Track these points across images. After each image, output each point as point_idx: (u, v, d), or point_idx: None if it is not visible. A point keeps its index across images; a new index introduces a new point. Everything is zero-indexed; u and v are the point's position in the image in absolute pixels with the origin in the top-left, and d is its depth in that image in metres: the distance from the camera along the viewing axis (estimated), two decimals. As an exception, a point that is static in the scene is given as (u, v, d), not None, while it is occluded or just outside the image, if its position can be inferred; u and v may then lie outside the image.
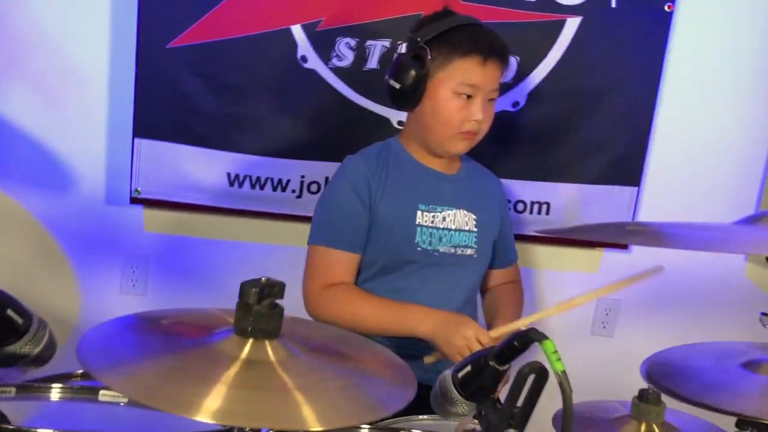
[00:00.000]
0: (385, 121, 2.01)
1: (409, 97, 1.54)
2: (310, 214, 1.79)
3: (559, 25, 2.01)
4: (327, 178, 2.03)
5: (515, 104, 2.05)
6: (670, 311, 2.31)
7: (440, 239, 1.59)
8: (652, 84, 2.08)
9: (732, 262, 2.30)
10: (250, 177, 2.04)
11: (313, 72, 1.98)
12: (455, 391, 0.83)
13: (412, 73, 1.52)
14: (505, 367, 0.80)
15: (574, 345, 2.34)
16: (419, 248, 1.58)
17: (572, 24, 2.00)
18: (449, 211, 1.62)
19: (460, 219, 1.62)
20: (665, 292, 2.26)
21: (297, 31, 1.96)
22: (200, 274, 2.22)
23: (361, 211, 1.57)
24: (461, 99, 1.52)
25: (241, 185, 2.04)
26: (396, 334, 1.52)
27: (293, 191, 2.05)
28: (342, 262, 1.57)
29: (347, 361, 0.78)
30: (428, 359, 1.49)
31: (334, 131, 2.02)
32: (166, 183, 2.04)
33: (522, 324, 1.44)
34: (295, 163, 2.03)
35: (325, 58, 1.98)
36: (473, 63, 1.51)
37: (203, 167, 2.03)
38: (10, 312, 0.75)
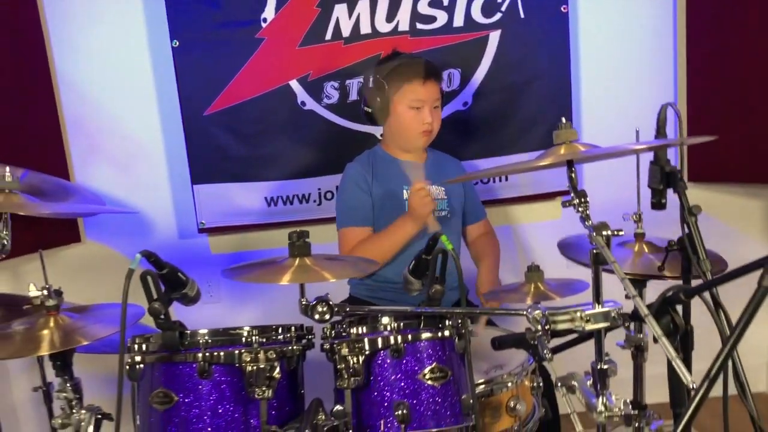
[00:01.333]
0: (371, 135, 2.68)
1: (378, 116, 2.26)
2: (329, 216, 2.52)
3: (485, 39, 2.68)
4: (337, 186, 2.72)
5: (465, 104, 2.72)
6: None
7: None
8: (564, 68, 2.73)
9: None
10: (282, 197, 2.74)
11: (311, 112, 2.68)
12: (411, 276, 1.54)
13: (378, 99, 2.23)
14: (430, 256, 1.49)
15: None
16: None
17: (494, 36, 2.68)
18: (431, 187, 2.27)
19: (434, 191, 2.26)
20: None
21: (294, 84, 2.66)
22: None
23: (365, 197, 2.27)
24: (414, 110, 2.22)
25: (275, 204, 2.74)
26: (403, 238, 2.17)
27: (314, 201, 2.75)
28: (357, 234, 2.26)
29: (346, 258, 1.50)
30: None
31: (335, 151, 2.69)
32: (221, 213, 2.74)
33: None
34: (313, 180, 2.73)
35: (318, 100, 2.67)
36: (416, 85, 2.21)
37: (246, 197, 2.73)
38: (179, 274, 1.46)
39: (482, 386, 1.66)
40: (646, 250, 1.87)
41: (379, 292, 2.32)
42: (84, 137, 2.73)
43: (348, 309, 1.42)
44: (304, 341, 1.51)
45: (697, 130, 2.68)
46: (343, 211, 2.33)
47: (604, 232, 1.32)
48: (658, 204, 1.69)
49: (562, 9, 2.69)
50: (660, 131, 1.68)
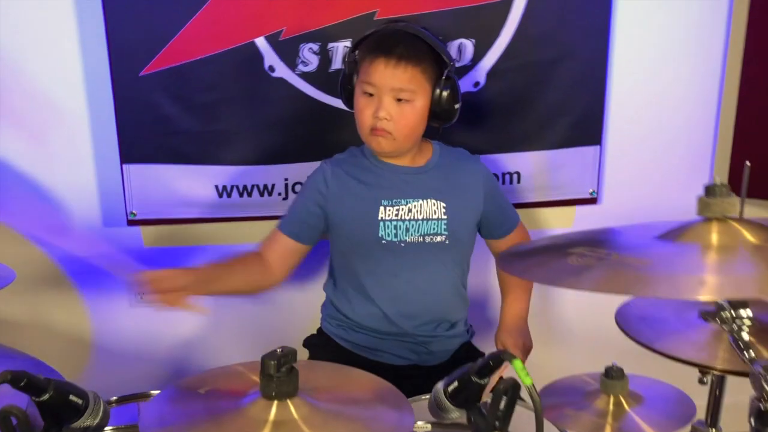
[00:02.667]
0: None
1: (343, 93, 1.74)
2: None
3: (508, 4, 2.10)
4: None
5: (476, 84, 2.16)
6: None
7: (407, 230, 1.72)
8: (602, 48, 2.18)
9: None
10: (237, 186, 2.15)
11: (281, 80, 2.08)
12: (447, 401, 0.99)
13: (345, 73, 1.73)
14: (485, 381, 0.96)
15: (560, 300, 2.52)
16: (384, 241, 1.71)
17: (520, 2, 2.10)
18: (415, 202, 1.73)
19: (427, 208, 1.73)
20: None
21: (261, 42, 2.05)
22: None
23: (312, 211, 1.75)
24: (366, 96, 1.65)
25: (229, 195, 2.16)
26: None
27: (279, 194, 2.17)
28: (277, 241, 1.76)
29: (355, 403, 0.94)
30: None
31: (309, 133, 2.12)
32: (158, 202, 2.14)
33: None
34: (278, 168, 2.14)
35: (292, 65, 2.07)
36: (372, 63, 1.64)
37: (192, 183, 2.13)
38: (72, 397, 0.89)
39: None
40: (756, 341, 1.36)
41: (351, 334, 1.80)
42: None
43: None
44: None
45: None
46: (288, 211, 1.83)
47: None
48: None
49: (607, -29, 2.12)
50: None
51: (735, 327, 0.88)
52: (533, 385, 0.87)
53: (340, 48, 2.06)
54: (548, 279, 0.90)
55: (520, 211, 2.33)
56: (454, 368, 1.03)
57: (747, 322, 0.87)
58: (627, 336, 1.33)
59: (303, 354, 1.90)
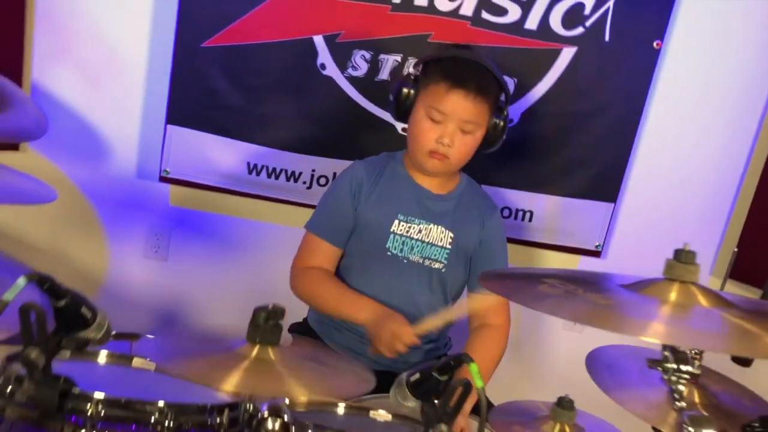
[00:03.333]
0: (391, 127, 2.21)
1: (399, 110, 1.76)
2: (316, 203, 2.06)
3: (556, 54, 2.21)
4: (335, 174, 2.27)
5: (510, 121, 2.24)
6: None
7: (412, 248, 1.79)
8: (638, 109, 2.28)
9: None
10: (267, 167, 2.27)
11: (330, 79, 2.20)
12: (407, 390, 1.10)
13: (403, 90, 1.74)
14: (444, 378, 1.06)
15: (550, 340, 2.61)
16: (389, 253, 1.78)
17: (568, 53, 2.21)
18: (426, 225, 1.80)
19: (435, 234, 1.80)
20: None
21: (319, 41, 2.17)
22: (216, 246, 2.48)
23: (348, 211, 1.79)
24: (431, 121, 1.70)
25: (258, 174, 2.28)
26: (344, 318, 1.76)
27: (304, 183, 2.29)
28: (323, 251, 1.80)
29: (325, 365, 1.05)
30: (371, 350, 1.68)
31: (344, 132, 2.24)
32: (191, 166, 2.27)
33: (434, 324, 1.60)
34: (308, 158, 2.26)
35: (342, 67, 2.19)
36: (440, 90, 1.68)
37: (226, 155, 2.26)
38: (84, 309, 1.01)
39: None
40: (697, 399, 1.44)
41: (334, 333, 1.86)
42: (54, 33, 2.24)
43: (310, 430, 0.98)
44: (237, 429, 1.08)
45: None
46: (320, 212, 1.86)
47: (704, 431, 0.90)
48: (743, 359, 1.28)
49: (654, 44, 2.22)
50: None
51: (674, 378, 0.96)
52: (483, 388, 0.97)
53: (390, 60, 2.18)
54: (517, 297, 1.00)
55: (527, 249, 2.44)
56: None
57: (685, 375, 0.96)
58: (591, 377, 1.42)
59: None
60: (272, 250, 2.44)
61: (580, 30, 2.18)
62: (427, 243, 1.80)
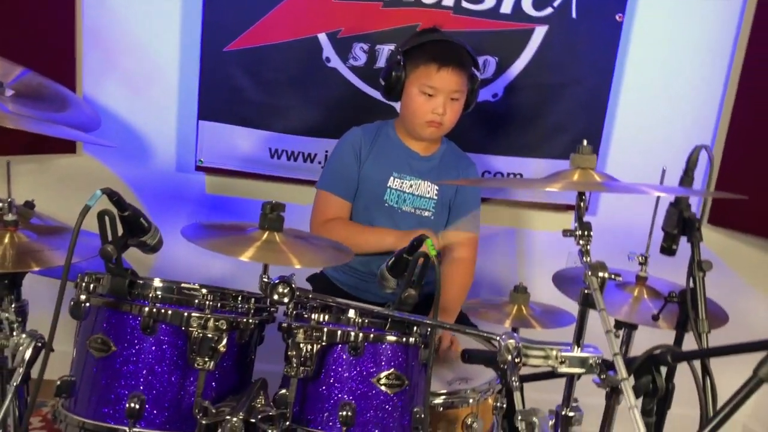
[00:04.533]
0: (390, 107, 2.54)
1: (392, 92, 2.08)
2: None
3: (530, 33, 2.53)
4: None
5: (495, 95, 2.58)
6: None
7: (404, 200, 2.12)
8: (606, 77, 2.58)
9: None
10: (286, 151, 2.62)
11: (334, 70, 2.55)
12: (387, 273, 1.43)
13: (394, 74, 2.05)
14: (412, 257, 1.38)
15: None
16: (386, 204, 2.11)
17: (540, 32, 2.52)
18: (416, 181, 2.13)
19: (423, 188, 2.13)
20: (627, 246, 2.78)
21: (323, 37, 2.53)
22: (248, 227, 2.83)
23: (354, 168, 2.11)
24: (425, 96, 2.02)
25: (279, 157, 2.63)
26: (376, 249, 2.03)
27: (319, 162, 2.63)
28: (336, 205, 2.11)
29: (313, 245, 1.40)
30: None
31: (350, 115, 2.54)
32: (222, 155, 2.63)
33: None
34: (321, 141, 2.61)
35: (344, 59, 2.54)
36: (431, 69, 2.00)
37: (250, 143, 2.62)
38: (142, 220, 1.36)
39: (442, 398, 1.58)
40: (646, 295, 1.75)
41: (346, 278, 2.20)
42: (99, 50, 2.63)
43: (310, 296, 1.32)
44: (263, 314, 1.42)
45: (729, 177, 2.54)
46: (329, 171, 2.19)
47: (600, 274, 1.20)
48: (668, 249, 1.57)
49: (617, 17, 2.52)
50: (687, 174, 1.56)
51: (582, 242, 1.27)
52: (437, 255, 1.29)
53: (385, 50, 2.52)
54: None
55: (521, 210, 2.74)
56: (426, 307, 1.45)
57: (589, 239, 1.27)
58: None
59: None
60: (296, 226, 2.77)
61: (549, 10, 2.50)
62: (417, 196, 2.12)
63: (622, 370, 1.11)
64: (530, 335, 1.37)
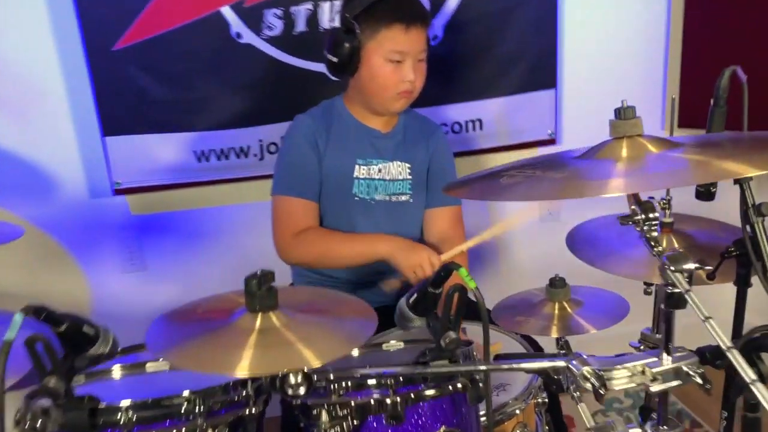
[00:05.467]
0: (323, 76, 2.20)
1: (346, 68, 1.71)
2: (272, 171, 2.07)
3: (458, -41, 2.21)
4: (282, 138, 2.27)
5: (434, 38, 2.27)
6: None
7: (376, 188, 1.81)
8: (552, -2, 2.31)
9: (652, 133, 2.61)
10: (215, 150, 2.27)
11: (249, 46, 2.18)
12: (409, 312, 1.14)
13: (346, 45, 1.68)
14: (438, 291, 1.10)
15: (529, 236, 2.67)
16: (357, 198, 1.80)
17: (470, -44, 2.21)
18: (384, 164, 1.82)
19: (394, 170, 1.82)
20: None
21: (227, 11, 2.14)
22: (187, 240, 2.47)
23: (313, 162, 1.77)
24: (392, 64, 1.69)
25: (207, 159, 2.27)
26: (364, 260, 1.74)
27: (255, 155, 2.29)
28: (302, 209, 1.77)
29: (327, 313, 1.08)
30: (386, 285, 1.71)
31: (280, 94, 2.23)
32: (141, 171, 2.25)
33: (464, 247, 1.69)
34: (252, 131, 2.26)
35: (257, 31, 2.17)
36: (397, 31, 1.66)
37: (172, 150, 2.24)
38: (85, 328, 1.03)
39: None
40: (675, 244, 1.51)
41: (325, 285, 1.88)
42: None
43: (332, 376, 1.02)
44: (265, 393, 1.12)
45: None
46: (281, 173, 1.81)
47: (686, 266, 0.95)
48: (706, 193, 1.34)
49: None
50: (719, 104, 1.31)
51: (646, 227, 1.01)
52: (477, 287, 1.02)
53: (302, 11, 2.17)
54: (483, 195, 1.04)
55: (486, 157, 2.48)
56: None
57: (655, 223, 1.01)
58: (575, 255, 1.48)
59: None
60: (243, 229, 2.46)
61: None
62: (390, 180, 1.82)
63: (746, 370, 0.88)
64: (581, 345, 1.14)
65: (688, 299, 0.94)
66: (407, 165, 1.84)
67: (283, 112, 2.20)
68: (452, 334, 1.04)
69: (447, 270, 1.07)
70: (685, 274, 0.96)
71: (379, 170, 1.82)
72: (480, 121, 2.38)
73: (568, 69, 2.43)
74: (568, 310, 1.32)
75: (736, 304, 1.34)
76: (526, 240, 2.66)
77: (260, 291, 0.96)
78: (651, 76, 2.51)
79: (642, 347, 1.28)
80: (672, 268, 0.96)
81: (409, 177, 1.84)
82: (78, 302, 2.47)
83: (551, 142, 2.46)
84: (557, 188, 0.98)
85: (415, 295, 1.13)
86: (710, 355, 1.06)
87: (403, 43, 1.67)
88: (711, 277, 1.34)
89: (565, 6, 2.36)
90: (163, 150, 2.24)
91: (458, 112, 2.36)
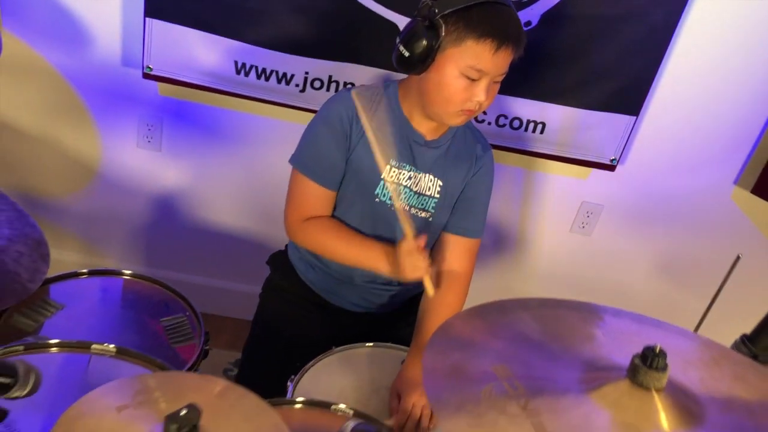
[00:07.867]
0: (393, 25, 1.97)
1: (415, 66, 1.47)
2: (311, 107, 1.98)
3: (585, -54, 1.89)
4: (330, 77, 2.08)
5: (527, 24, 2.00)
6: (650, 220, 2.45)
7: (399, 195, 1.62)
8: (675, 15, 1.99)
9: (719, 183, 2.37)
10: (257, 67, 2.08)
11: (329, -31, 1.93)
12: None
13: (423, 43, 1.44)
14: None
15: (553, 241, 2.53)
16: (377, 199, 1.62)
17: (598, -55, 1.89)
18: (416, 173, 1.63)
19: (424, 183, 1.64)
20: (650, 205, 2.39)
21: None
22: (210, 137, 2.36)
23: (335, 152, 1.59)
24: (466, 80, 1.46)
25: (247, 74, 2.09)
26: (359, 266, 1.64)
27: (297, 85, 2.10)
28: (318, 197, 1.63)
29: None
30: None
31: (340, 31, 2.01)
32: (175, 63, 2.08)
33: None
34: (301, 60, 2.06)
35: (339, -45, 1.91)
36: (485, 48, 1.42)
37: (211, 53, 2.06)
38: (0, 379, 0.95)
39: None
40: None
41: (318, 279, 1.77)
42: None
43: None
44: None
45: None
46: (306, 151, 1.64)
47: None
48: None
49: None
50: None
51: None
52: None
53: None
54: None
55: (533, 160, 2.28)
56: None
57: None
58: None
59: (265, 270, 1.88)
60: (265, 144, 2.35)
61: None
62: (416, 192, 1.65)
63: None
64: None
65: None
66: (439, 182, 1.66)
67: (338, 50, 2.03)
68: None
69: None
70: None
71: (410, 178, 1.64)
72: (543, 124, 2.15)
73: (657, 96, 2.16)
74: None
75: None
76: (551, 249, 2.53)
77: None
78: (743, 132, 2.24)
79: None
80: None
81: (437, 196, 1.66)
82: (87, 162, 2.40)
83: (610, 168, 2.24)
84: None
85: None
86: None
87: (487, 62, 1.44)
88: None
89: (683, 30, 2.05)
90: (203, 50, 2.06)
91: (524, 108, 2.12)
